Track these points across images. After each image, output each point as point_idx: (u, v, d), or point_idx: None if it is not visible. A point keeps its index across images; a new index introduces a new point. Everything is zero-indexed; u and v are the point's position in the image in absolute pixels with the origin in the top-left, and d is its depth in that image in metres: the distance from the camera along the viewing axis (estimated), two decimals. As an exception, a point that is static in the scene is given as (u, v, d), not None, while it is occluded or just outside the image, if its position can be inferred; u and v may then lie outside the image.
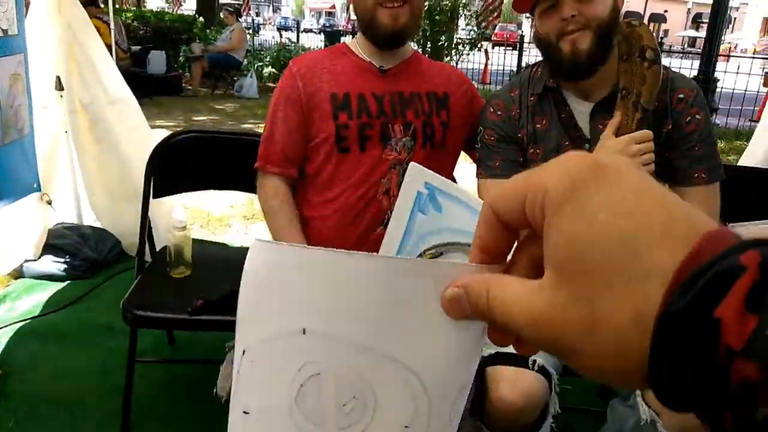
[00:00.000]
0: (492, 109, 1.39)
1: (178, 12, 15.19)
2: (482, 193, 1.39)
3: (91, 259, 2.48)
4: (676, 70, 1.36)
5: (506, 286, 0.26)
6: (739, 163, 2.52)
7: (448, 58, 9.21)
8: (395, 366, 0.29)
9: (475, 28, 9.92)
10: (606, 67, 1.26)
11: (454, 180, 1.63)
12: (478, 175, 1.41)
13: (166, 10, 16.85)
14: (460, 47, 9.59)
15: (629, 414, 1.16)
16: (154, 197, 1.73)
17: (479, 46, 10.00)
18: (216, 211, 3.47)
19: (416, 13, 1.39)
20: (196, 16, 11.72)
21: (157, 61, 8.33)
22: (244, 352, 0.32)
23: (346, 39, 1.55)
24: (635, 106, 1.23)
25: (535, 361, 1.14)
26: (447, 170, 1.53)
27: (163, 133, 2.68)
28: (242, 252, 2.10)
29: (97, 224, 2.67)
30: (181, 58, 9.64)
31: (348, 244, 1.42)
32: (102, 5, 7.88)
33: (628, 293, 0.21)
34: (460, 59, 9.67)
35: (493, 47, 11.32)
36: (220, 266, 1.77)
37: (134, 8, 16.96)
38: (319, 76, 1.42)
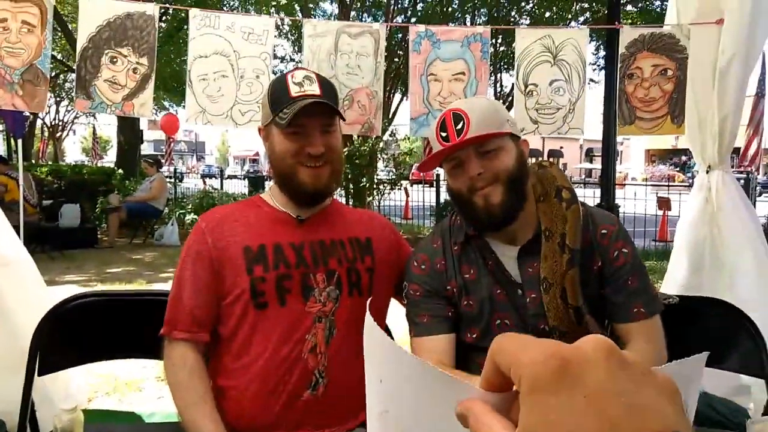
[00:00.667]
0: (416, 263, 1.33)
1: (98, 165, 15.12)
2: (416, 351, 1.28)
3: (-39, 452, 2.07)
4: (590, 205, 1.39)
5: None
6: (661, 290, 2.58)
7: (371, 197, 9.52)
8: None
9: (393, 170, 10.47)
10: (525, 211, 1.25)
11: (387, 329, 1.52)
12: (410, 332, 1.32)
13: (86, 163, 16.78)
14: (380, 187, 10.00)
15: None
16: (40, 374, 1.48)
17: (398, 185, 10.49)
18: (124, 374, 3.11)
19: (337, 171, 1.36)
20: (115, 168, 11.67)
21: (69, 215, 8.03)
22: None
23: (270, 183, 1.50)
24: (561, 248, 1.21)
25: None
26: (378, 318, 1.42)
27: (69, 290, 2.43)
28: (148, 428, 1.80)
29: (-24, 405, 2.27)
30: (97, 209, 9.39)
31: (271, 415, 1.24)
32: (13, 161, 7.69)
33: None
34: (382, 198, 10.03)
35: (411, 185, 11.92)
36: (120, 451, 1.49)
37: (51, 162, 16.79)
38: (231, 230, 1.32)
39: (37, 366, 1.48)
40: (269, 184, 1.51)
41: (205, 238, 1.31)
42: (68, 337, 1.54)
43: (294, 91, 1.28)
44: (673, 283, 2.47)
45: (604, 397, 0.27)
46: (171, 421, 1.70)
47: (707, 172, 2.42)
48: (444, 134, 1.20)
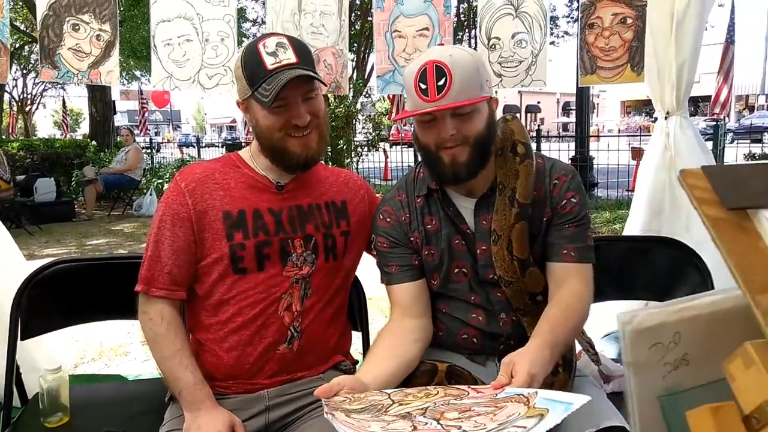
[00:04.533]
0: (381, 216, 1.38)
1: (69, 137, 14.83)
2: (390, 297, 1.36)
3: (-47, 419, 2.13)
4: (556, 156, 1.43)
5: None
6: (624, 233, 2.69)
7: (349, 159, 9.52)
8: None
9: (371, 131, 10.44)
10: (485, 166, 1.29)
11: (357, 280, 1.59)
12: (381, 280, 1.39)
13: (58, 136, 16.43)
14: (359, 149, 9.98)
15: None
16: (23, 338, 1.53)
17: (377, 146, 10.48)
18: (109, 340, 3.18)
19: (324, 136, 1.36)
20: (89, 140, 11.48)
21: (45, 189, 7.96)
22: None
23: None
24: (511, 202, 1.26)
25: None
26: (349, 273, 1.47)
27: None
28: (133, 385, 1.88)
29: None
30: (73, 183, 9.29)
31: (248, 365, 1.30)
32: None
33: None
34: (360, 159, 10.04)
35: (391, 146, 11.90)
36: (107, 406, 1.57)
37: (22, 137, 16.41)
38: (211, 193, 1.32)
39: (19, 331, 1.52)
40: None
41: (185, 200, 1.31)
42: (49, 301, 1.58)
43: (269, 62, 1.23)
44: (635, 226, 2.57)
45: None
46: (155, 377, 1.78)
47: (666, 118, 2.50)
48: (423, 86, 1.18)
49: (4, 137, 14.79)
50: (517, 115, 1.48)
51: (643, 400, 0.54)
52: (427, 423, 0.81)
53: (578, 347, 1.41)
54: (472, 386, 1.07)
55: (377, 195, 1.56)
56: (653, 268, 1.76)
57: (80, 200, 9.01)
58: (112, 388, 1.94)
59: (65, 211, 8.22)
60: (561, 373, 1.25)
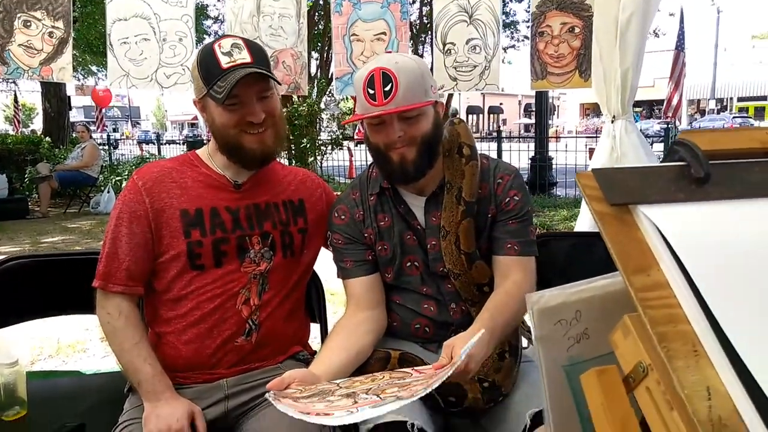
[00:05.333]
0: (336, 214, 1.45)
1: (21, 133, 14.36)
2: (346, 291, 1.43)
3: None
4: (516, 156, 1.52)
5: None
6: (575, 230, 2.83)
7: (312, 158, 9.54)
8: None
9: (335, 130, 10.47)
10: (434, 166, 1.37)
11: (316, 274, 1.65)
12: (337, 275, 1.46)
13: (10, 132, 15.87)
14: (322, 148, 10.00)
15: None
16: (-22, 333, 1.54)
17: (341, 145, 10.52)
18: (67, 336, 3.14)
19: (280, 134, 1.40)
20: (42, 136, 11.16)
21: (-5, 185, 7.72)
22: None
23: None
24: (458, 200, 1.35)
25: (413, 425, 1.14)
26: (307, 269, 1.52)
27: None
28: (91, 378, 1.88)
29: None
30: (26, 180, 9.03)
31: (207, 357, 1.34)
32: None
33: None
34: (324, 158, 10.06)
35: (356, 145, 11.96)
36: (65, 399, 1.59)
37: (-29, 133, 15.77)
38: (168, 192, 1.35)
39: (-26, 326, 1.53)
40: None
41: (142, 198, 1.33)
42: (3, 298, 1.59)
43: (224, 62, 1.27)
44: (584, 223, 2.71)
45: None
46: (114, 370, 1.80)
47: (612, 121, 2.64)
48: (371, 91, 1.25)
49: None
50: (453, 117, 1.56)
51: (551, 369, 0.62)
52: (368, 398, 0.88)
53: None
54: (415, 368, 1.14)
55: (336, 193, 1.62)
56: (595, 261, 1.86)
57: (34, 197, 8.77)
58: (70, 382, 1.95)
59: (18, 209, 8.01)
60: (507, 359, 1.34)
